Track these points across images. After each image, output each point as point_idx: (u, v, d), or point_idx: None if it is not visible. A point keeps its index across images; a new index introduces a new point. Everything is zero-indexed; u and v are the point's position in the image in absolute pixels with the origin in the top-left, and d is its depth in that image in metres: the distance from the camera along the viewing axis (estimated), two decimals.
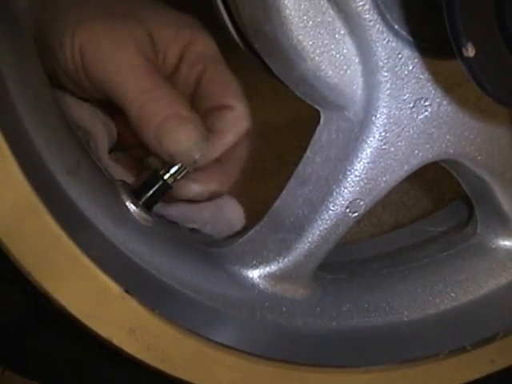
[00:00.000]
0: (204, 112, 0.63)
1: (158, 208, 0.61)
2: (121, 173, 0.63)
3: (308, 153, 0.60)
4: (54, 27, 0.59)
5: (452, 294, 0.68)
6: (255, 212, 0.70)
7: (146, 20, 0.62)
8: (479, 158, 0.62)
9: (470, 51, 0.43)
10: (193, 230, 0.64)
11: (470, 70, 0.44)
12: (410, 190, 1.04)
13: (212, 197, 0.63)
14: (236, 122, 0.63)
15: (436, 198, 1.08)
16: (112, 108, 0.63)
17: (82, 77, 0.60)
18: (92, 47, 0.59)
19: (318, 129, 0.60)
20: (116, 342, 0.52)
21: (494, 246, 0.70)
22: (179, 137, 0.58)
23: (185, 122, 0.58)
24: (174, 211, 0.63)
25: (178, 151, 0.58)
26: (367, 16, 0.53)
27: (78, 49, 0.59)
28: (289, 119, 1.22)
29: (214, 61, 0.65)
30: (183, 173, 0.59)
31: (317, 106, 0.59)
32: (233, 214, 0.64)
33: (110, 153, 0.64)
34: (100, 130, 0.63)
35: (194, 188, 0.62)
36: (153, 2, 0.65)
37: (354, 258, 0.72)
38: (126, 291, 0.52)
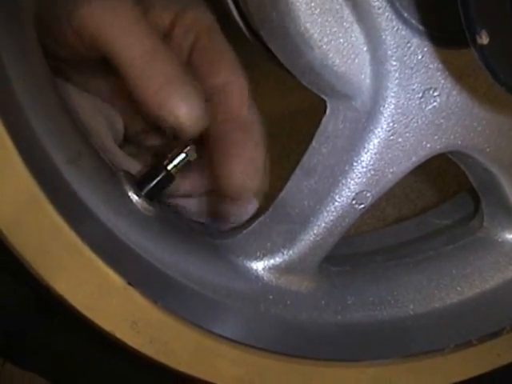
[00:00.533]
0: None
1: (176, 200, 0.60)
2: (134, 165, 0.62)
3: (314, 143, 0.59)
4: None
5: (458, 288, 0.68)
6: None
7: None
8: (488, 149, 0.61)
9: (483, 39, 0.42)
10: (196, 221, 0.63)
11: (482, 58, 0.43)
12: (414, 183, 1.04)
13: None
14: (238, 97, 0.62)
15: (440, 191, 1.08)
16: (112, 91, 0.61)
17: (77, 41, 0.58)
18: (90, 11, 0.56)
19: (324, 119, 0.59)
20: (118, 334, 0.51)
21: (500, 240, 0.69)
22: (181, 98, 0.56)
23: (184, 84, 0.56)
24: (193, 205, 0.62)
25: (181, 113, 0.55)
26: (376, 3, 0.52)
27: (78, 16, 0.56)
28: (292, 110, 1.22)
29: (208, 30, 0.63)
30: (185, 162, 0.58)
31: (323, 96, 0.58)
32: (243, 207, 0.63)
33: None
34: (100, 124, 0.62)
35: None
36: None
37: (359, 250, 0.71)
38: (129, 283, 0.51)
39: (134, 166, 0.62)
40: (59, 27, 0.57)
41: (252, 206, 0.64)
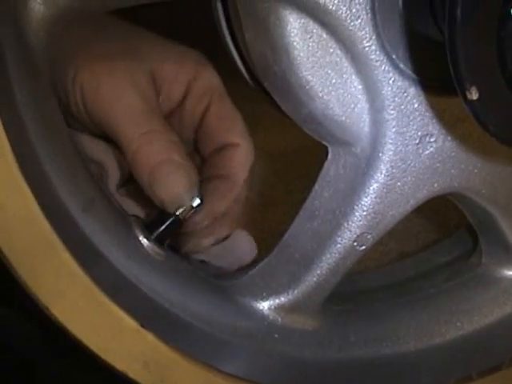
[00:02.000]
0: (211, 150, 0.65)
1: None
2: (129, 205, 0.65)
3: (316, 187, 0.62)
4: (58, 66, 0.61)
5: (458, 324, 0.69)
6: (262, 240, 0.72)
7: (147, 58, 0.63)
8: (483, 191, 0.63)
9: (473, 94, 0.44)
10: (202, 262, 0.66)
11: (473, 112, 0.45)
12: (415, 218, 1.05)
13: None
14: (244, 159, 0.65)
15: (441, 225, 1.09)
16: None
17: (84, 117, 0.62)
18: (92, 89, 0.60)
19: (326, 164, 0.61)
20: (131, 374, 0.53)
21: (498, 276, 0.71)
22: (169, 183, 0.59)
23: (176, 169, 0.59)
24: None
25: (167, 198, 0.59)
26: (373, 56, 0.55)
27: (80, 90, 0.60)
28: (295, 147, 1.23)
29: (219, 95, 0.66)
30: (195, 208, 0.61)
31: (324, 142, 0.60)
32: (244, 248, 0.65)
33: (122, 186, 0.65)
34: (113, 163, 0.65)
35: (206, 242, 0.64)
36: (155, 37, 0.66)
37: (361, 288, 0.73)
38: (142, 325, 0.53)
39: (137, 210, 0.64)
40: (64, 90, 0.60)
41: (251, 249, 0.67)
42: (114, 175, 0.65)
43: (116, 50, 0.62)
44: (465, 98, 0.45)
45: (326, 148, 0.61)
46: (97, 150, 0.65)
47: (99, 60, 0.61)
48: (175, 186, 0.59)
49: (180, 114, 0.66)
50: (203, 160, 0.68)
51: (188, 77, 0.65)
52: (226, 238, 0.65)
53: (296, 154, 1.21)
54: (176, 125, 0.66)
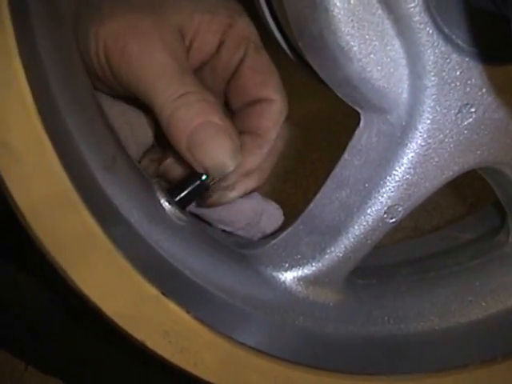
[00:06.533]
0: (243, 104, 0.62)
1: (193, 207, 0.60)
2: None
3: (346, 155, 0.59)
4: (79, 25, 0.57)
5: (483, 304, 0.67)
6: None
7: (176, 10, 0.59)
8: None
9: None
10: (224, 231, 0.63)
11: None
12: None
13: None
14: (277, 116, 0.62)
15: (456, 202, 1.08)
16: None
17: (108, 77, 0.58)
18: (118, 50, 0.56)
19: (358, 131, 0.58)
20: (150, 344, 0.51)
21: None
22: (212, 149, 0.56)
23: (217, 132, 0.56)
24: (211, 213, 0.61)
25: (211, 164, 0.56)
26: (417, 18, 0.52)
27: (103, 49, 0.56)
28: (309, 117, 1.21)
29: (255, 46, 0.63)
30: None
31: (357, 108, 0.58)
32: (270, 222, 0.63)
33: (146, 152, 0.62)
34: (125, 136, 0.61)
35: (231, 195, 0.60)
36: None
37: (385, 262, 0.71)
38: (162, 293, 0.51)
39: None
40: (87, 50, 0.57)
41: (278, 214, 0.64)
42: (130, 145, 0.62)
43: (140, 2, 0.58)
44: None
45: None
46: (113, 118, 0.61)
47: (122, 18, 0.57)
48: (219, 151, 0.56)
49: (212, 65, 0.62)
50: (233, 113, 0.64)
51: (222, 26, 0.61)
52: (253, 191, 0.62)
53: (308, 125, 1.19)
54: (207, 77, 0.63)
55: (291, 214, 0.65)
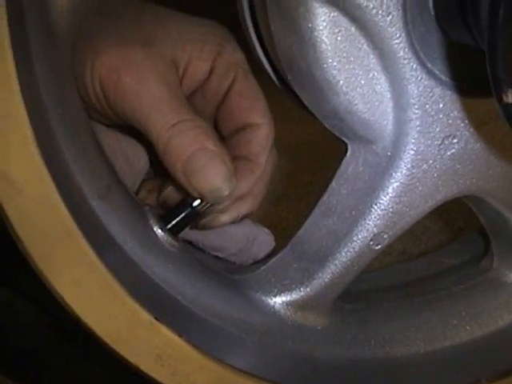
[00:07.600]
0: (232, 130, 0.64)
1: (185, 233, 0.61)
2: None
3: (333, 184, 0.61)
4: (75, 56, 0.58)
5: (467, 328, 0.69)
6: None
7: (168, 42, 0.61)
8: (501, 194, 0.63)
9: (509, 97, 0.43)
10: (217, 256, 0.65)
11: (507, 115, 0.45)
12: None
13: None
14: (265, 140, 0.63)
15: (445, 226, 1.09)
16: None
17: (105, 108, 0.59)
18: (112, 82, 0.57)
19: (345, 161, 0.60)
20: (143, 367, 0.53)
21: (509, 281, 0.71)
22: (208, 174, 0.58)
23: (212, 158, 0.58)
24: (204, 239, 0.63)
25: (207, 189, 0.58)
26: (401, 54, 0.54)
27: (98, 82, 0.58)
28: (299, 142, 1.23)
29: (243, 72, 0.64)
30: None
31: (344, 139, 0.60)
32: (262, 248, 0.65)
33: (142, 184, 0.64)
34: (119, 165, 0.63)
35: (224, 218, 0.62)
36: (175, 14, 0.63)
37: (372, 287, 0.73)
38: (155, 318, 0.52)
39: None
40: (83, 79, 0.58)
41: (270, 240, 0.66)
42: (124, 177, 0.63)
43: (133, 36, 0.60)
44: (500, 100, 0.44)
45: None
46: (107, 145, 0.63)
47: (116, 50, 0.58)
48: (214, 176, 0.58)
49: (203, 91, 0.64)
50: (224, 139, 0.65)
51: (212, 54, 0.62)
52: (245, 216, 0.64)
53: (300, 149, 1.21)
54: (197, 103, 0.64)
55: (282, 237, 0.66)
